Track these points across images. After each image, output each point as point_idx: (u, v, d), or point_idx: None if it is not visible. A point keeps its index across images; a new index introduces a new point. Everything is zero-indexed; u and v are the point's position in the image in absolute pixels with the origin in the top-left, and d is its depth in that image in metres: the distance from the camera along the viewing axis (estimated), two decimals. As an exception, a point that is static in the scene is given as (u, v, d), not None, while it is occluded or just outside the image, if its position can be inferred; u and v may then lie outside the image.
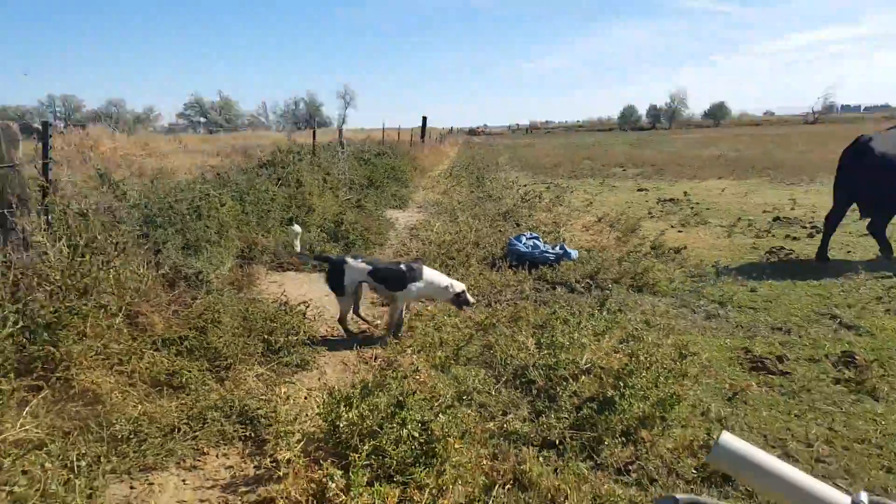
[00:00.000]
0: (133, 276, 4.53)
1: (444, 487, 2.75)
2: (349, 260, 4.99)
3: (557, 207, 11.78)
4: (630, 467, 3.06)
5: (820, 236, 8.03)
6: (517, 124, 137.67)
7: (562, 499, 2.72)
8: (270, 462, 3.09)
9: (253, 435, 3.37)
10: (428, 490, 2.72)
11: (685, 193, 13.45)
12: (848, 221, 8.21)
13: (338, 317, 5.05)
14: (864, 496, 0.87)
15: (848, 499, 0.88)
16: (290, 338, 4.48)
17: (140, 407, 3.41)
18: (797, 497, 0.91)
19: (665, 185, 15.58)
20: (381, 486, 2.68)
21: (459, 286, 5.06)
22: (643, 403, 3.40)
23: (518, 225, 9.44)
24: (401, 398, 3.15)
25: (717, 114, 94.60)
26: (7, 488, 2.52)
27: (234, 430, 3.37)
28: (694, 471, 3.01)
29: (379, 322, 5.26)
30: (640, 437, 3.24)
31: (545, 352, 4.27)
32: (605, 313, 5.30)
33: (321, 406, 3.26)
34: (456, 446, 2.93)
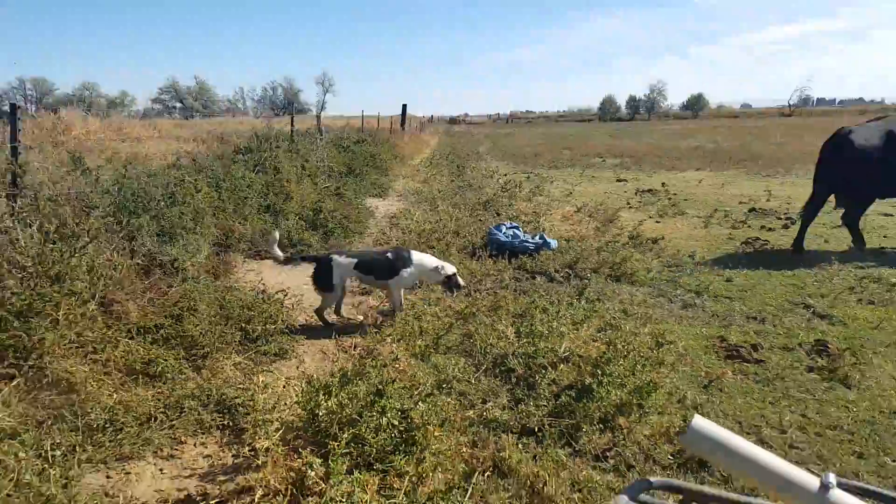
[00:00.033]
0: (107, 263, 4.45)
1: (423, 475, 2.76)
2: (335, 257, 4.95)
3: (537, 197, 11.81)
4: (608, 454, 3.10)
5: (794, 227, 8.20)
6: (498, 114, 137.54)
7: (541, 485, 2.74)
8: (249, 451, 3.07)
9: (231, 424, 3.34)
10: (408, 477, 2.72)
11: (663, 184, 13.57)
12: (821, 213, 8.35)
13: (317, 308, 5.01)
14: (831, 477, 0.89)
15: (816, 480, 0.89)
16: (268, 326, 4.44)
17: (115, 396, 3.37)
18: (767, 478, 0.92)
19: (644, 176, 15.71)
20: (360, 473, 2.67)
21: (451, 268, 5.07)
22: (620, 391, 3.44)
23: (498, 214, 9.45)
24: (380, 386, 3.15)
25: (695, 105, 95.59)
26: (-22, 478, 2.46)
27: (212, 419, 3.35)
28: (670, 457, 3.06)
29: (360, 317, 5.22)
30: (618, 423, 3.28)
31: (524, 340, 4.29)
32: (583, 302, 5.34)
33: (300, 395, 3.24)
34: (436, 434, 2.93)
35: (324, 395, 3.09)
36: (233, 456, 3.10)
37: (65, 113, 18.41)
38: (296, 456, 2.87)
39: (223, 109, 69.50)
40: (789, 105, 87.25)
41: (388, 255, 5.02)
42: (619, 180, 14.98)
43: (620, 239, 7.87)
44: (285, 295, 5.00)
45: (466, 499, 2.68)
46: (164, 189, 6.32)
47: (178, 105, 68.39)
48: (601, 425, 3.30)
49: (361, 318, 5.12)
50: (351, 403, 3.05)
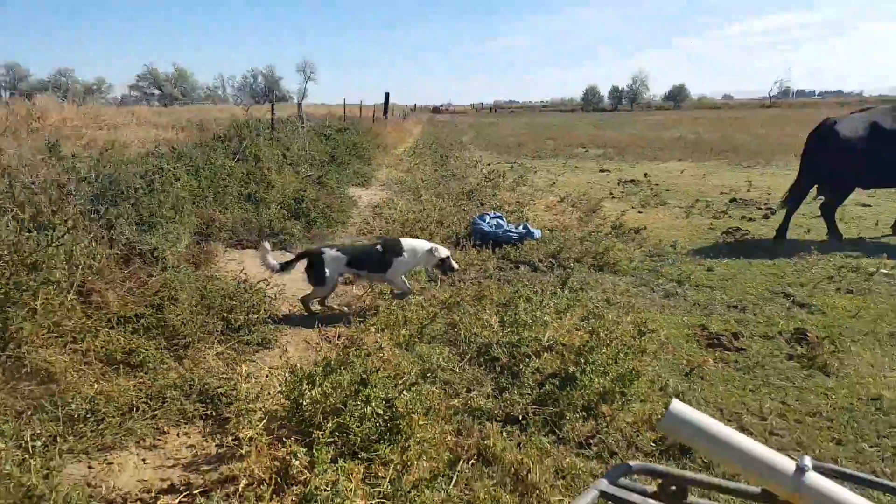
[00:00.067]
0: (85, 251, 4.38)
1: (408, 463, 2.77)
2: (327, 251, 4.92)
3: (521, 187, 11.83)
4: (591, 441, 3.13)
5: (775, 217, 8.33)
6: (481, 103, 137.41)
7: (525, 472, 2.76)
8: (232, 440, 3.05)
9: (214, 414, 3.32)
10: (392, 466, 2.73)
11: (646, 175, 13.67)
12: (803, 203, 8.48)
13: (304, 296, 4.98)
14: (807, 460, 0.90)
15: (792, 463, 0.91)
16: (250, 316, 4.41)
17: (96, 386, 3.33)
18: (744, 461, 0.93)
19: (626, 167, 15.80)
20: (345, 462, 2.67)
21: (444, 251, 5.05)
22: (603, 379, 3.47)
23: (482, 204, 9.45)
24: (364, 376, 3.14)
25: (677, 96, 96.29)
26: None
27: (195, 409, 3.32)
28: (653, 444, 3.09)
29: (345, 308, 5.19)
30: (601, 411, 3.31)
31: (508, 329, 4.31)
32: (566, 292, 5.37)
33: (283, 384, 3.23)
34: (420, 423, 2.94)
35: (308, 384, 3.08)
36: (216, 446, 3.08)
37: (40, 99, 17.99)
38: (280, 445, 2.87)
39: (203, 97, 68.40)
40: (770, 96, 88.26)
41: (378, 247, 4.99)
42: (602, 170, 15.05)
43: (603, 229, 7.91)
44: (267, 284, 4.96)
45: (451, 486, 2.70)
46: (142, 177, 6.22)
47: (157, 92, 67.13)
48: (584, 413, 3.32)
49: (346, 308, 5.10)
50: (335, 393, 3.05)
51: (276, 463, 2.73)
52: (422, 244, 5.09)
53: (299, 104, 15.26)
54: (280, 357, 4.09)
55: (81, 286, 4.13)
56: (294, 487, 2.60)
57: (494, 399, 3.52)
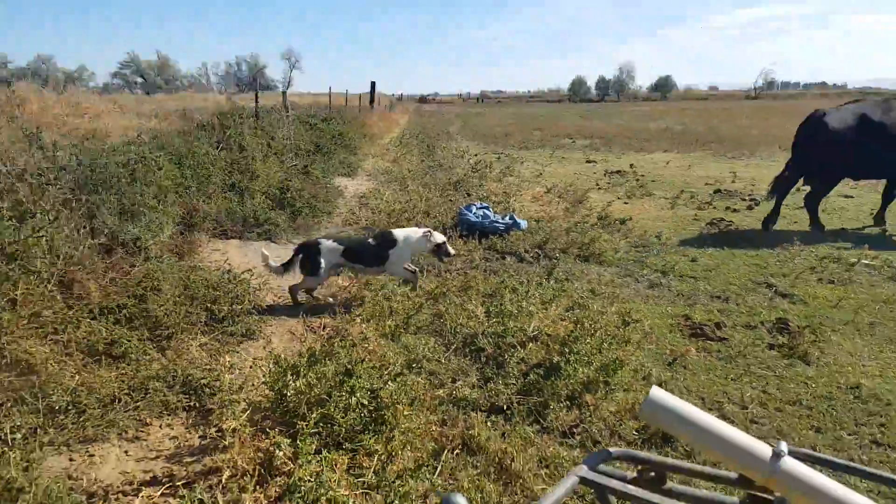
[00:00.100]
0: (66, 241, 4.32)
1: (393, 453, 2.77)
2: (323, 241, 4.89)
3: (507, 178, 11.82)
4: (574, 430, 3.16)
5: (758, 208, 8.45)
6: (468, 93, 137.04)
7: (509, 461, 2.78)
8: (216, 432, 3.04)
9: (197, 405, 3.30)
10: (377, 456, 2.73)
11: (631, 166, 13.72)
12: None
13: (293, 285, 4.94)
14: (783, 445, 0.91)
15: (769, 449, 0.92)
16: (234, 307, 4.38)
17: (78, 377, 3.30)
18: (721, 447, 0.94)
19: (613, 157, 15.84)
20: (329, 453, 2.67)
21: (440, 236, 5.03)
22: (587, 369, 3.50)
23: (468, 195, 9.43)
24: (349, 366, 3.13)
25: (663, 87, 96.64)
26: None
27: (178, 401, 3.30)
28: (635, 432, 3.12)
29: (331, 298, 5.16)
30: (585, 401, 3.33)
31: (494, 320, 4.32)
32: (552, 282, 5.39)
33: (268, 375, 3.21)
34: (405, 413, 2.94)
35: (292, 375, 3.07)
36: (199, 437, 3.06)
37: (19, 87, 17.64)
38: (263, 436, 2.86)
39: (186, 85, 67.49)
40: (755, 88, 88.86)
41: (371, 240, 4.95)
42: (588, 161, 15.08)
43: (589, 220, 7.94)
44: (252, 275, 4.92)
45: (436, 476, 2.70)
46: (124, 166, 6.13)
47: (140, 80, 66.20)
48: (568, 402, 3.35)
49: (332, 299, 5.07)
50: (319, 383, 3.04)
51: (260, 454, 2.73)
52: (415, 231, 5.06)
53: (284, 93, 15.08)
54: (264, 348, 4.07)
55: (62, 276, 4.08)
56: (278, 479, 2.60)
57: (479, 389, 3.53)
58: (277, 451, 2.62)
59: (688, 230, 7.83)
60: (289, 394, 2.98)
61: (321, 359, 3.28)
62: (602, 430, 3.14)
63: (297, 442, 2.65)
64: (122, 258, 4.75)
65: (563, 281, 5.48)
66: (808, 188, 8.11)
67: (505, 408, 3.31)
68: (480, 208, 7.59)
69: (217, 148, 8.72)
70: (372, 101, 31.34)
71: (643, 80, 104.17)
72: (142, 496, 2.61)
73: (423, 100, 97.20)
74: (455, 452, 2.89)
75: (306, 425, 2.74)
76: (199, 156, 7.80)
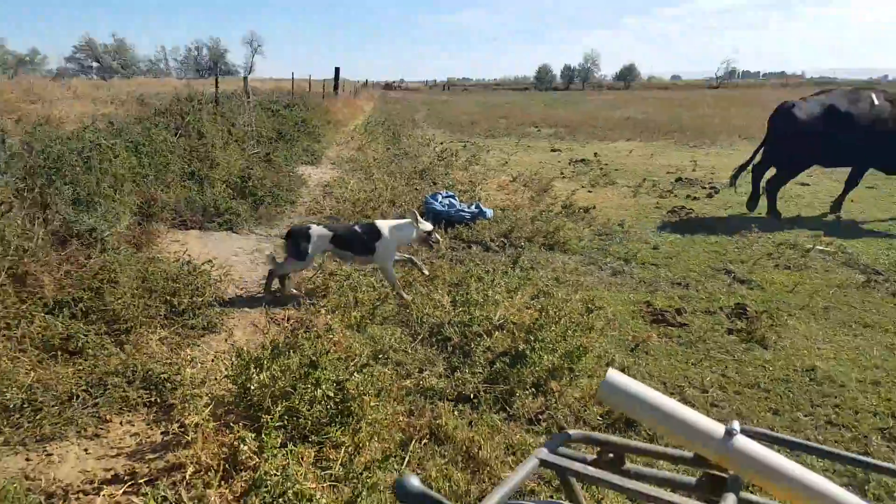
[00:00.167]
0: (18, 232, 4.16)
1: (360, 445, 2.76)
2: (313, 226, 4.80)
3: (473, 166, 11.82)
4: (540, 417, 3.19)
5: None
6: (434, 80, 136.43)
7: (476, 449, 2.80)
8: (178, 427, 2.98)
9: (158, 400, 3.23)
10: (344, 448, 2.72)
11: (595, 154, 13.86)
12: (746, 184, 8.81)
13: (273, 269, 4.82)
14: (735, 424, 0.94)
15: (722, 427, 0.94)
16: (195, 299, 4.28)
17: (33, 374, 3.19)
18: (675, 426, 0.96)
19: (577, 146, 15.98)
20: (295, 446, 2.64)
21: (427, 224, 4.97)
22: (552, 356, 3.54)
23: (434, 183, 9.40)
24: (314, 358, 3.10)
25: (627, 76, 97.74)
26: None
27: (138, 396, 3.21)
28: (600, 417, 3.18)
29: (294, 290, 5.08)
30: (550, 387, 3.37)
31: (460, 309, 4.33)
32: (517, 271, 5.42)
33: (230, 368, 3.16)
34: (372, 404, 2.93)
35: (255, 368, 3.02)
36: (162, 433, 3.00)
37: (-37, 70, 16.85)
38: (227, 431, 2.81)
39: (144, 70, 65.44)
40: (716, 77, 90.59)
41: (357, 228, 4.86)
42: (553, 150, 15.19)
43: (554, 208, 8.00)
44: (212, 266, 4.82)
45: (403, 466, 2.71)
46: (79, 153, 5.92)
47: (95, 65, 63.85)
48: (534, 389, 3.39)
49: (294, 290, 5.00)
50: (284, 376, 3.00)
51: (224, 449, 2.68)
52: (401, 220, 4.97)
53: (245, 78, 14.74)
54: (226, 341, 4.00)
55: (14, 269, 3.94)
56: (243, 473, 2.56)
57: (446, 378, 3.54)
58: (242, 446, 2.59)
59: (650, 218, 7.97)
60: (252, 387, 2.93)
61: (285, 351, 3.24)
62: (567, 416, 3.18)
63: (262, 436, 2.61)
64: (77, 250, 4.61)
65: (529, 269, 5.53)
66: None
67: (472, 396, 3.32)
68: (446, 197, 7.58)
69: (175, 135, 8.48)
70: (336, 87, 30.87)
71: (608, 69, 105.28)
72: (103, 495, 2.55)
73: (388, 86, 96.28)
74: (423, 442, 2.90)
75: (271, 419, 2.70)
76: (157, 143, 7.57)
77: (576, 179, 10.85)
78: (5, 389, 2.99)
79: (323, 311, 4.41)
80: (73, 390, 3.15)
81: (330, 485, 2.52)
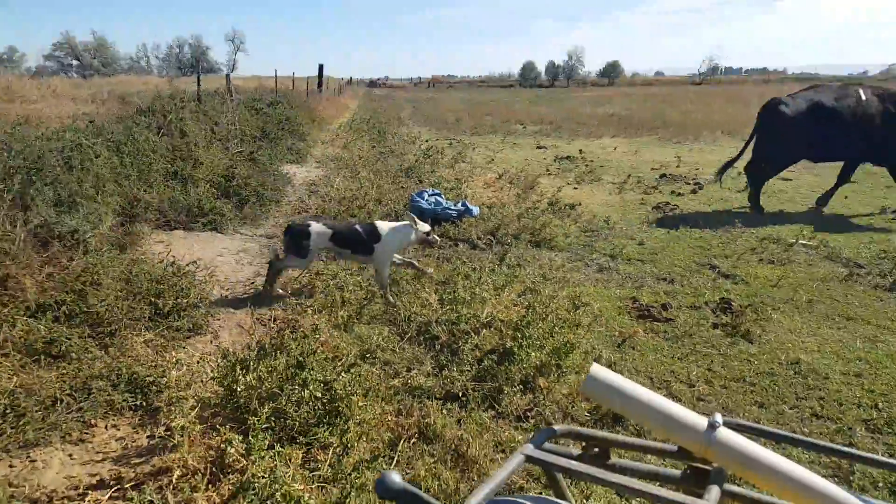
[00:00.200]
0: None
1: (348, 445, 2.75)
2: (313, 223, 4.76)
3: (459, 164, 11.81)
4: (528, 414, 3.21)
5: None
6: (419, 77, 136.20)
7: (465, 448, 2.80)
8: (164, 431, 2.95)
9: (144, 404, 3.19)
10: (332, 449, 2.71)
11: (581, 151, 13.91)
12: (727, 177, 8.91)
13: (274, 263, 4.82)
14: (718, 417, 0.94)
15: (705, 420, 0.95)
16: (179, 300, 4.23)
17: (15, 379, 3.14)
18: (660, 420, 0.97)
19: (563, 143, 16.02)
20: (283, 448, 2.63)
21: (425, 226, 4.95)
22: (540, 353, 3.55)
23: (420, 181, 9.38)
24: (301, 359, 3.09)
25: (611, 73, 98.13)
26: None
27: (123, 400, 3.17)
28: (587, 413, 3.20)
29: (280, 290, 5.05)
30: (538, 384, 3.38)
31: (448, 307, 4.33)
32: (504, 268, 5.44)
33: (216, 370, 3.13)
34: (360, 404, 2.92)
35: (241, 369, 3.00)
36: (147, 437, 2.97)
37: (-61, 69, 16.54)
38: (214, 433, 2.79)
39: (125, 68, 64.54)
40: (699, 73, 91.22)
41: (359, 228, 4.84)
42: (538, 147, 15.22)
43: (540, 205, 8.03)
44: (197, 267, 4.78)
45: (392, 466, 2.70)
46: (59, 153, 5.83)
47: (75, 63, 62.90)
48: (522, 387, 3.40)
49: (281, 290, 4.97)
50: (270, 377, 2.98)
51: (211, 452, 2.66)
52: (399, 223, 4.94)
53: (228, 76, 14.59)
54: (212, 342, 3.97)
55: (-6, 272, 3.87)
56: (230, 476, 2.54)
57: (434, 377, 3.54)
58: (229, 448, 2.57)
59: (635, 214, 8.02)
60: (239, 389, 2.91)
61: (271, 352, 3.23)
62: (555, 413, 3.20)
63: (250, 438, 2.60)
64: (59, 252, 4.55)
65: (515, 266, 5.54)
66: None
67: (460, 395, 3.32)
68: (432, 195, 7.57)
69: (158, 134, 8.39)
70: (320, 84, 30.67)
71: (592, 66, 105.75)
72: (88, 500, 2.52)
73: (373, 84, 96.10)
74: (411, 441, 2.89)
75: (258, 420, 2.68)
76: (139, 142, 7.48)
77: (561, 176, 10.89)
78: (-13, 395, 2.94)
79: (309, 310, 4.39)
80: (57, 395, 3.10)
81: (318, 486, 2.51)
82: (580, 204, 8.23)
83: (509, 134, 18.55)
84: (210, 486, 2.51)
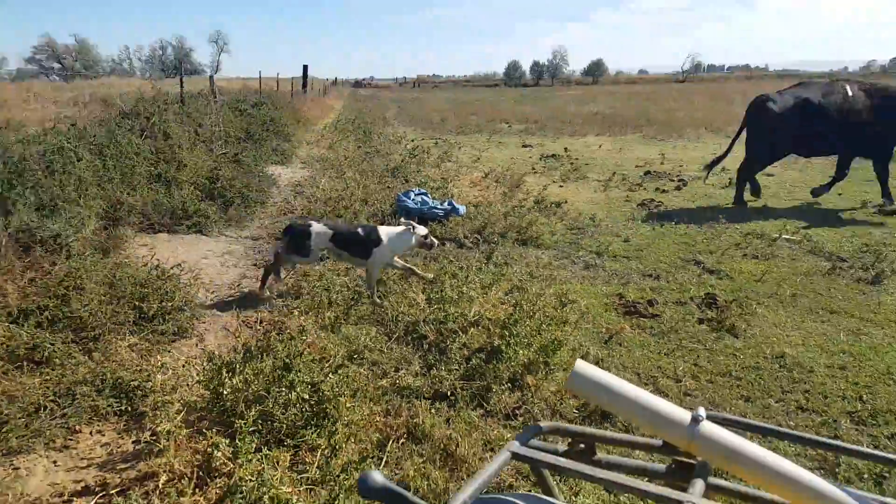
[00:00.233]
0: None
1: (336, 447, 2.74)
2: (314, 223, 4.76)
3: (445, 163, 11.81)
4: (517, 411, 3.21)
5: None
6: (404, 77, 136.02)
7: (454, 447, 2.79)
8: (150, 436, 2.91)
9: (129, 409, 3.16)
10: (320, 451, 2.69)
11: (566, 149, 13.96)
12: (713, 175, 8.99)
13: (279, 255, 4.83)
14: (701, 411, 0.95)
15: (688, 414, 0.95)
16: (164, 304, 4.19)
17: (-2, 386, 3.09)
18: (644, 414, 0.97)
19: (548, 142, 16.07)
20: (270, 451, 2.61)
21: (422, 229, 4.93)
22: (528, 350, 3.55)
23: (406, 181, 9.36)
24: (288, 361, 3.07)
25: (595, 71, 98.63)
26: None
27: (108, 405, 3.14)
28: (576, 410, 3.21)
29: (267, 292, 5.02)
30: (526, 382, 3.39)
31: (435, 307, 4.32)
32: (491, 267, 5.44)
33: (202, 374, 3.11)
34: (348, 405, 2.91)
35: (227, 372, 2.97)
36: (133, 442, 2.94)
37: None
38: (200, 437, 2.77)
39: (107, 70, 63.80)
40: (682, 71, 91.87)
41: (360, 230, 4.81)
42: (524, 146, 15.25)
43: (526, 204, 8.04)
44: (182, 270, 4.74)
45: (381, 467, 2.69)
46: (41, 157, 5.76)
47: (57, 66, 62.07)
48: (510, 385, 3.40)
49: (268, 293, 4.93)
50: (257, 380, 2.96)
51: (198, 456, 2.64)
52: (398, 227, 4.93)
53: (211, 77, 14.48)
54: (197, 346, 3.94)
55: (-26, 278, 3.81)
56: (218, 480, 2.51)
57: (423, 377, 3.53)
58: (216, 452, 2.54)
59: (620, 211, 8.06)
60: (225, 392, 2.89)
61: (258, 354, 3.20)
62: (544, 410, 3.21)
63: (236, 441, 2.57)
64: (41, 256, 4.51)
65: (502, 265, 5.54)
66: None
67: (449, 394, 3.32)
68: (419, 194, 7.56)
69: (141, 137, 8.30)
70: (305, 85, 30.54)
71: (576, 65, 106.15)
72: (73, 507, 2.49)
73: (358, 84, 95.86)
74: (400, 442, 2.89)
75: (245, 423, 2.66)
76: (122, 145, 7.41)
77: (547, 174, 10.92)
78: (-32, 403, 2.90)
79: (296, 312, 4.36)
80: (41, 401, 3.07)
81: (307, 488, 2.50)
82: (566, 202, 8.25)
83: (495, 133, 18.57)
84: (197, 490, 2.48)
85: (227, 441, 2.61)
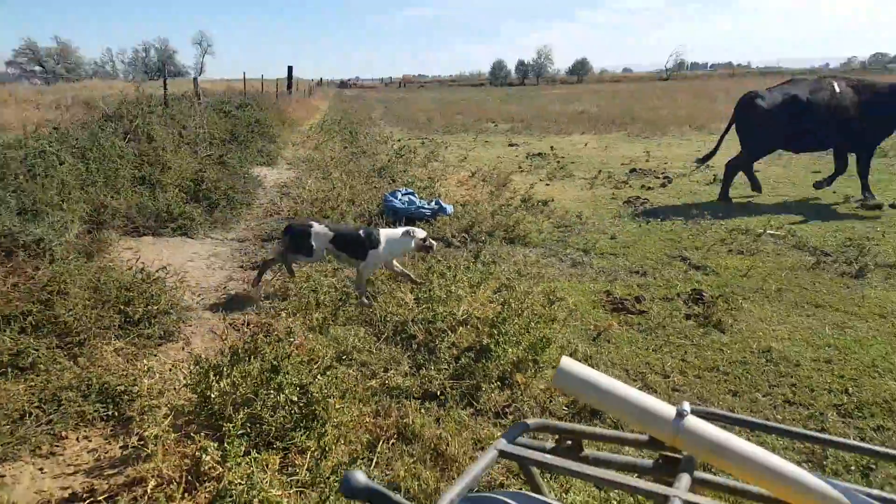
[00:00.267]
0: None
1: (326, 449, 2.73)
2: (314, 224, 4.77)
3: (432, 163, 11.81)
4: (507, 410, 3.22)
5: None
6: (390, 77, 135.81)
7: (444, 446, 2.80)
8: (137, 440, 2.88)
9: (116, 414, 3.13)
10: (310, 453, 2.68)
11: (552, 148, 14.01)
12: (699, 171, 9.06)
13: (286, 255, 4.88)
14: (686, 405, 0.95)
15: (673, 409, 0.96)
16: (150, 307, 4.15)
17: (-19, 393, 3.04)
18: (629, 410, 0.98)
19: (534, 140, 16.11)
20: (259, 454, 2.59)
21: (421, 232, 4.92)
22: (516, 349, 3.56)
23: (393, 181, 9.34)
24: (276, 363, 3.05)
25: (580, 70, 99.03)
26: None
27: (95, 410, 3.11)
28: (565, 408, 3.22)
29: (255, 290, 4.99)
30: (515, 380, 3.40)
31: (424, 306, 4.32)
32: (479, 265, 5.44)
33: (189, 377, 3.08)
34: (337, 406, 2.90)
35: (214, 375, 2.95)
36: (120, 447, 2.91)
37: None
38: (189, 441, 2.75)
39: (90, 73, 63.06)
40: (666, 69, 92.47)
41: (361, 232, 4.79)
42: (510, 145, 15.28)
43: (513, 202, 8.06)
44: (167, 273, 4.69)
45: (371, 468, 2.69)
46: (22, 161, 5.68)
47: (38, 69, 61.27)
48: (500, 383, 3.41)
49: (262, 291, 4.89)
50: (245, 382, 2.94)
51: (186, 460, 2.62)
52: (396, 231, 4.91)
53: (195, 79, 14.37)
54: (184, 349, 3.91)
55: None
56: (207, 484, 2.50)
57: (412, 377, 3.53)
58: (204, 456, 2.52)
59: (606, 209, 8.10)
60: (213, 395, 2.86)
61: (245, 357, 3.18)
62: (533, 408, 3.21)
63: (225, 444, 2.56)
64: (24, 261, 4.46)
65: (490, 264, 5.55)
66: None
67: (438, 393, 3.32)
68: (406, 194, 7.55)
69: (124, 139, 8.22)
70: (290, 86, 30.42)
71: (561, 64, 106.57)
72: (59, 514, 2.46)
73: (344, 84, 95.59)
74: (390, 442, 2.88)
75: (233, 427, 2.64)
76: (106, 148, 7.33)
77: (533, 173, 10.95)
78: (-49, 410, 2.86)
79: (284, 314, 4.33)
80: (26, 408, 3.03)
81: (297, 491, 2.49)
82: (553, 200, 8.28)
83: (481, 132, 18.59)
84: (186, 494, 2.46)
85: (216, 445, 2.59)
